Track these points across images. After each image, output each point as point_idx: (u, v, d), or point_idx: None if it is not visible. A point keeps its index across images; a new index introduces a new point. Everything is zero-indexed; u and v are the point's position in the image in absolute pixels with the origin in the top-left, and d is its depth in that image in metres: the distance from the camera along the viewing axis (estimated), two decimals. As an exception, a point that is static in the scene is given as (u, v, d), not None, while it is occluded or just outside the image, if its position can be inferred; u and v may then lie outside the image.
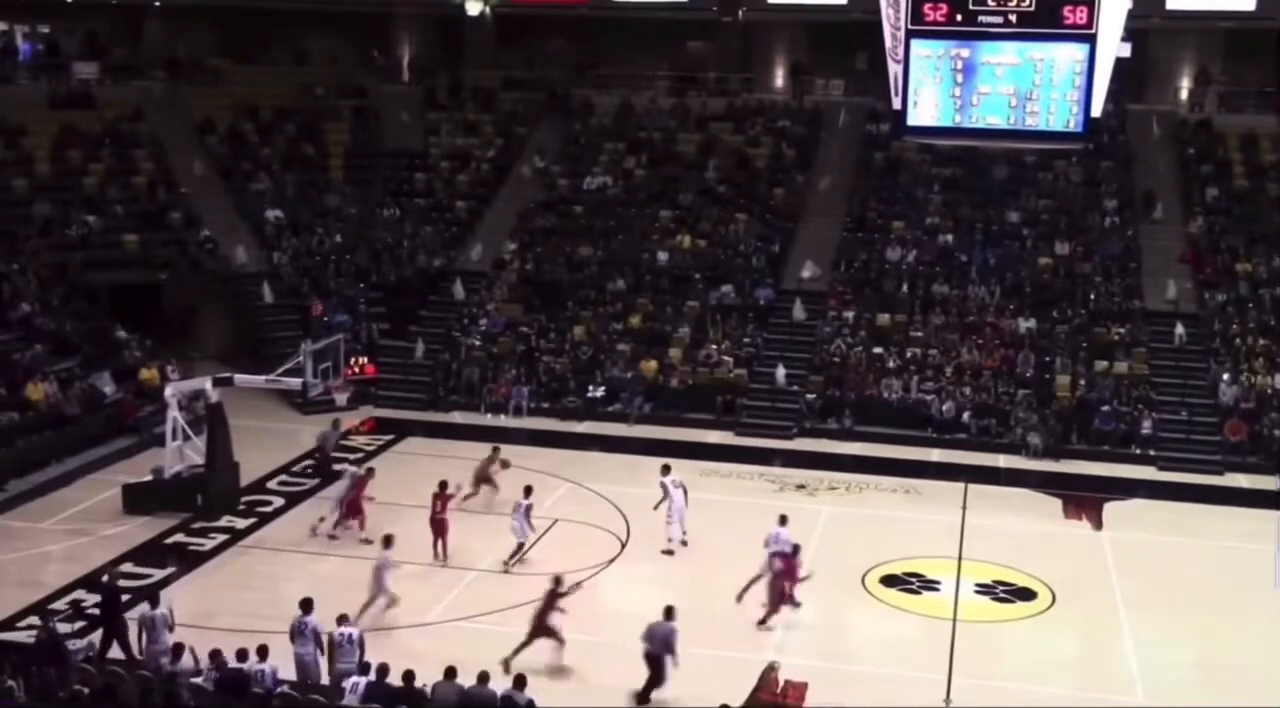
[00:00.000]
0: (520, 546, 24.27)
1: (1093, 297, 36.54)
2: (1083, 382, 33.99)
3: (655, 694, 19.10)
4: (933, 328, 35.96)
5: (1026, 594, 23.60)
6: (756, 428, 33.53)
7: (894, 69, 23.35)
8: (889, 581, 24.18)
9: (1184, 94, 44.46)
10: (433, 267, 39.61)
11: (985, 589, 23.70)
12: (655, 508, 25.57)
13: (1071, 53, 22.20)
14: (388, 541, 22.06)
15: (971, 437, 32.99)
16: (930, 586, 24.01)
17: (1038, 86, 22.01)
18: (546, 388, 35.20)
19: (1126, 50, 27.60)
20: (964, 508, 28.09)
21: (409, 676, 17.11)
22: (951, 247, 38.63)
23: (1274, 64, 43.00)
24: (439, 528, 24.57)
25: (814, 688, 19.10)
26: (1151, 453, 32.16)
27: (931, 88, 22.75)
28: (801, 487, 29.48)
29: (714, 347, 35.83)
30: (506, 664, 19.04)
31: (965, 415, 33.29)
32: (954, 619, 22.24)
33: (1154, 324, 35.54)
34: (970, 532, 26.47)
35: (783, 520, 22.89)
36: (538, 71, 46.78)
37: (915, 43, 22.63)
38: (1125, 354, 34.71)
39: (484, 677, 17.13)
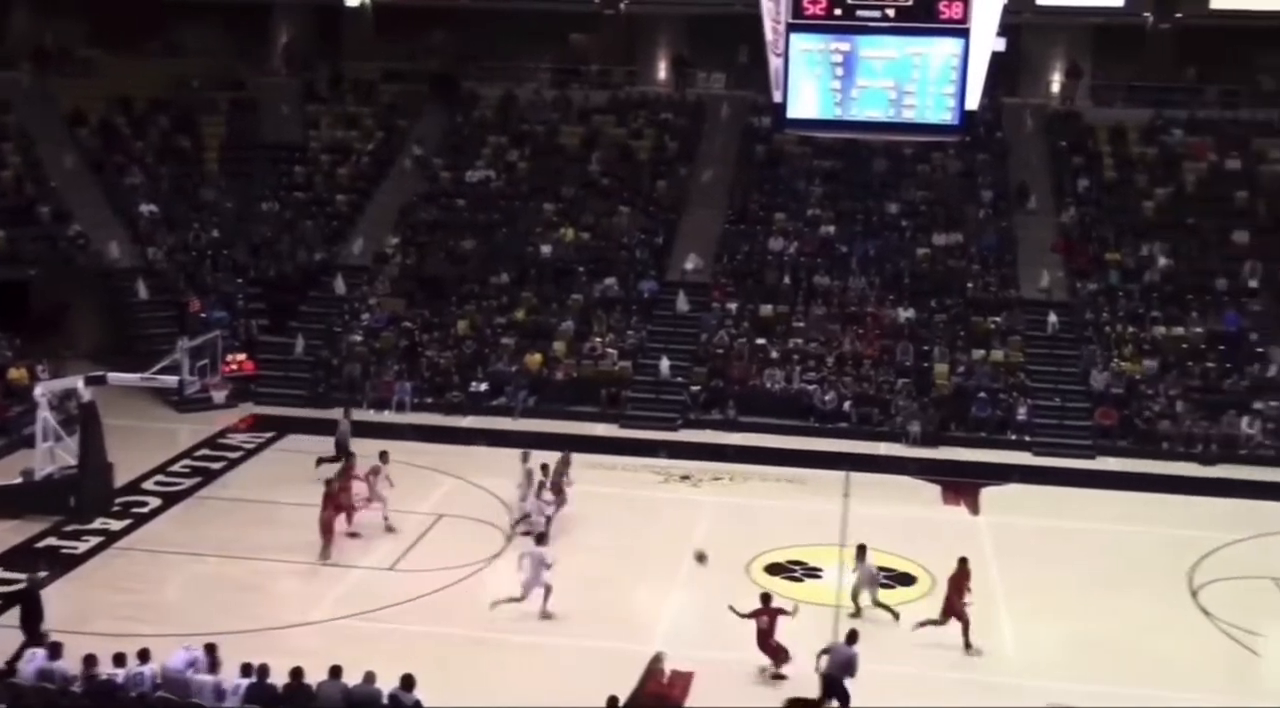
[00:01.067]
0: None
1: (970, 286, 37.24)
2: (960, 370, 34.64)
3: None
4: (814, 319, 36.38)
5: (907, 579, 23.99)
6: (641, 420, 33.64)
7: (774, 62, 23.50)
8: (773, 569, 24.42)
9: (1056, 88, 45.47)
10: (313, 262, 39.07)
11: (867, 576, 24.03)
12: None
13: (947, 47, 22.48)
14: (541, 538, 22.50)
15: (853, 425, 33.46)
16: (813, 573, 24.30)
17: (915, 80, 22.27)
18: (430, 383, 34.94)
19: (1002, 45, 28.04)
20: (846, 496, 28.49)
21: (297, 673, 16.88)
22: (832, 238, 39.10)
23: (1141, 58, 44.26)
24: (329, 527, 24.10)
25: (700, 678, 19.25)
26: (1026, 439, 32.90)
27: (812, 81, 22.92)
28: (686, 478, 29.67)
29: (598, 340, 35.87)
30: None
31: (846, 405, 33.75)
32: (836, 606, 22.51)
33: (1029, 313, 36.36)
34: (852, 519, 26.83)
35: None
36: (419, 64, 46.35)
37: (795, 36, 22.78)
38: (1001, 342, 35.46)
39: (370, 676, 16.95)
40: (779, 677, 19.75)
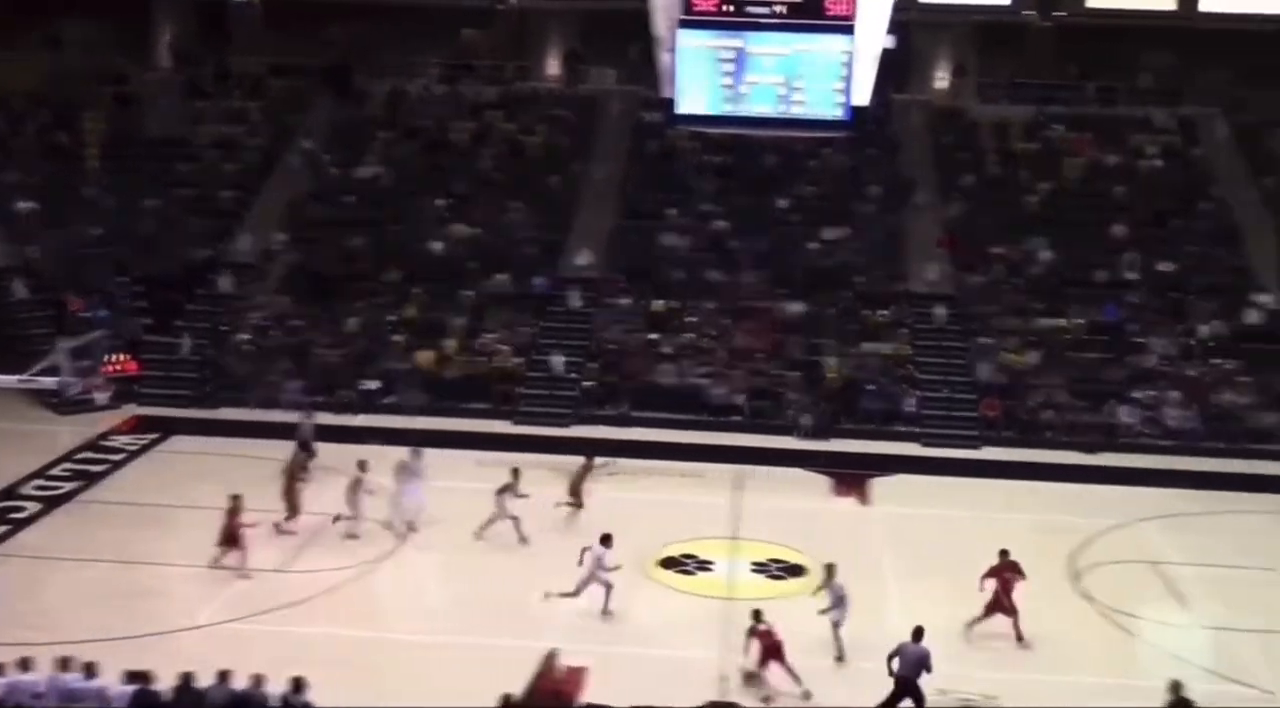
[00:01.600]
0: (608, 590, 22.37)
1: (859, 280, 37.70)
2: (850, 362, 35.05)
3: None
4: (706, 313, 36.58)
5: (799, 571, 24.25)
6: (534, 416, 33.59)
7: (665, 59, 23.62)
8: (667, 563, 24.56)
9: (942, 85, 46.19)
10: (199, 259, 38.39)
11: (760, 568, 24.26)
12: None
13: (836, 44, 22.79)
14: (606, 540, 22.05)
15: (745, 419, 33.73)
16: (705, 566, 24.48)
17: (805, 77, 22.54)
18: (320, 382, 34.52)
19: (893, 42, 28.40)
20: (739, 489, 28.69)
21: (185, 679, 16.61)
22: (724, 233, 39.34)
23: (1024, 56, 45.14)
24: (234, 540, 23.35)
25: (594, 673, 19.27)
26: (915, 430, 33.41)
27: (702, 77, 23.08)
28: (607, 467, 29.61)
29: (490, 336, 35.72)
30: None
31: (739, 399, 33.99)
32: (729, 599, 22.67)
33: (916, 306, 36.93)
34: (745, 512, 27.04)
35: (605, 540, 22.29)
36: (308, 58, 45.75)
37: (686, 33, 22.93)
38: (890, 335, 35.94)
39: (258, 679, 16.74)
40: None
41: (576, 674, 19.08)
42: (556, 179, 41.32)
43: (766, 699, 19.27)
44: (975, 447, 32.87)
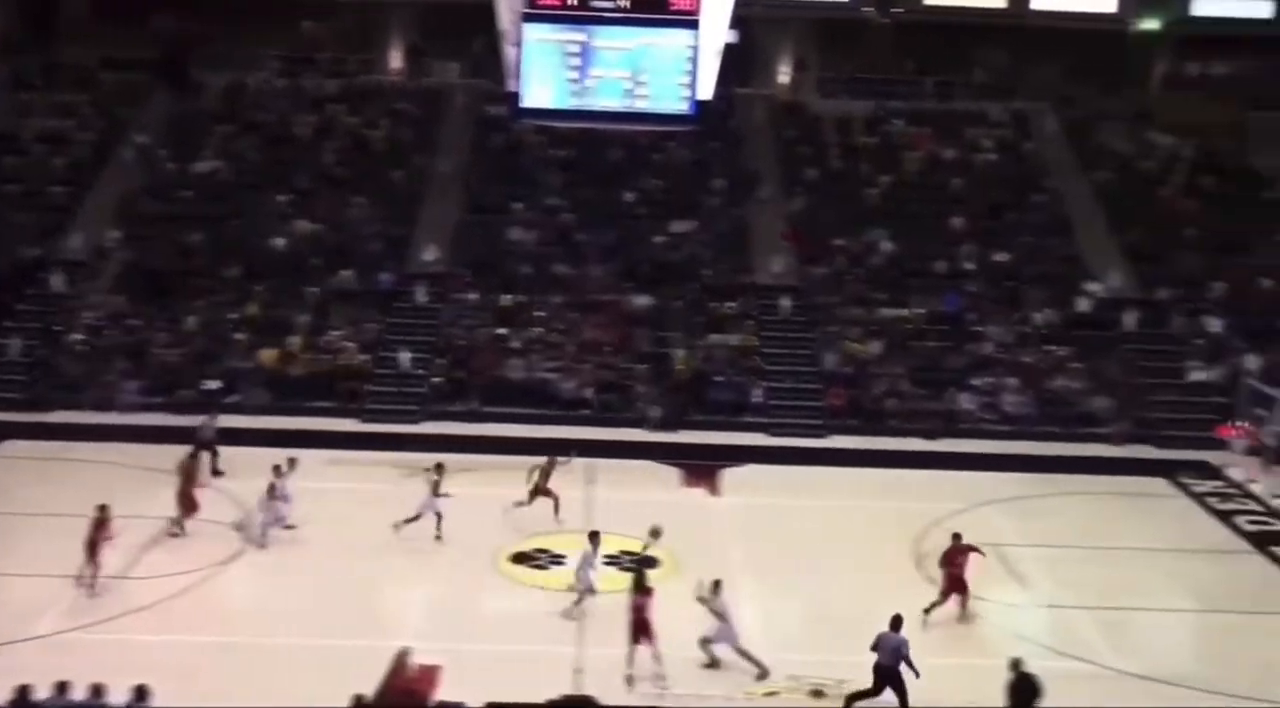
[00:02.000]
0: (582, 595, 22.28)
1: (705, 273, 38.02)
2: (698, 354, 35.34)
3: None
4: (554, 307, 36.55)
5: (650, 563, 24.32)
6: (382, 414, 33.14)
7: (510, 52, 23.52)
8: (518, 558, 24.51)
9: (784, 80, 46.83)
10: (28, 257, 37.05)
11: (612, 560, 24.27)
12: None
13: (680, 38, 22.97)
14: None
15: (595, 412, 33.76)
16: (558, 560, 24.43)
17: (649, 70, 22.66)
18: (159, 382, 33.60)
19: (734, 37, 28.73)
20: (589, 483, 28.70)
21: (22, 691, 16.03)
22: (570, 227, 39.33)
23: (863, 52, 46.02)
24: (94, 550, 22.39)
25: (447, 670, 19.12)
26: (762, 420, 33.83)
27: (547, 71, 23.06)
28: (429, 471, 29.33)
29: (336, 333, 35.17)
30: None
31: (588, 392, 34.03)
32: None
33: (762, 298, 37.36)
34: (596, 505, 27.08)
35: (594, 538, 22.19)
36: (141, 50, 44.43)
37: (531, 26, 22.89)
38: (736, 327, 36.33)
39: (98, 689, 16.24)
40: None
41: (429, 673, 18.89)
42: (401, 174, 40.86)
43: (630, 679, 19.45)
44: (821, 436, 33.40)
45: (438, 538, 25.05)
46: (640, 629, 19.68)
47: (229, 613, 21.74)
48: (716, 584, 20.58)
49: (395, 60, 46.88)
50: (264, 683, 18.80)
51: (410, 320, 36.10)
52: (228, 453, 28.93)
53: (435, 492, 25.32)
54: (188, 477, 25.41)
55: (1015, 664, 18.09)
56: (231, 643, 20.31)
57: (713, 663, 20.06)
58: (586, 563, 22.10)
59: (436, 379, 34.33)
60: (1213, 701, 18.94)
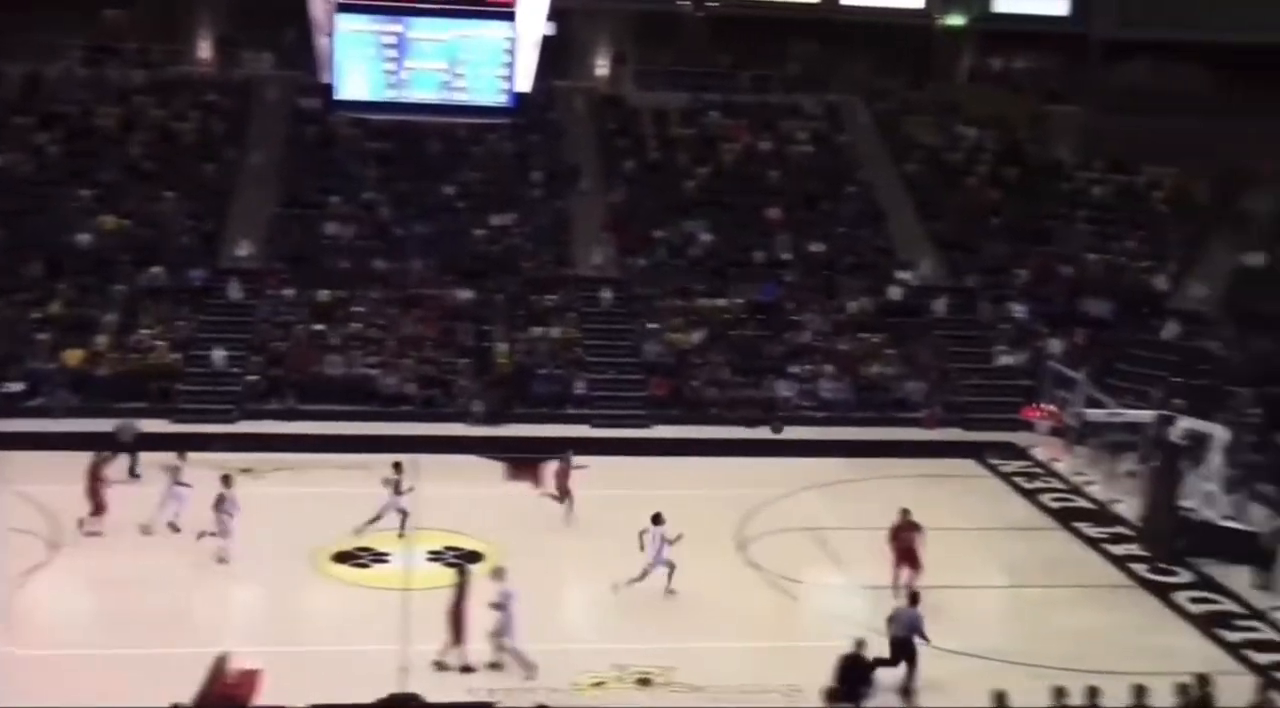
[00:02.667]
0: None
1: (526, 266, 37.95)
2: (520, 348, 35.26)
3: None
4: (373, 302, 36.08)
5: (476, 557, 24.24)
6: (196, 413, 32.28)
7: (323, 43, 23.13)
8: (341, 557, 24.15)
9: (603, 72, 46.99)
10: None
11: (436, 556, 24.12)
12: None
13: (497, 30, 22.86)
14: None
15: (417, 408, 33.44)
16: (381, 558, 24.18)
17: (467, 63, 22.51)
18: (-43, 384, 32.20)
19: (551, 29, 28.72)
20: (412, 479, 28.39)
21: None
22: (388, 221, 38.87)
23: (680, 45, 46.47)
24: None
25: (269, 674, 18.74)
26: (586, 412, 33.91)
27: (362, 63, 22.75)
28: (247, 471, 28.63)
29: (145, 332, 34.14)
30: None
31: (410, 387, 33.69)
32: (404, 589, 22.43)
33: (583, 290, 37.47)
34: (419, 502, 26.79)
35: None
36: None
37: (344, 17, 22.54)
38: (558, 319, 36.36)
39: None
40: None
41: (249, 678, 18.50)
42: (212, 167, 39.83)
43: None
44: (645, 426, 33.64)
45: (401, 536, 24.79)
46: (456, 624, 19.58)
47: (38, 624, 20.91)
48: (498, 571, 20.69)
49: (204, 51, 45.67)
50: (77, 696, 18.12)
51: (223, 317, 35.23)
52: (32, 458, 27.88)
53: (397, 491, 25.00)
54: (95, 477, 24.97)
55: (858, 645, 18.44)
56: (42, 655, 19.52)
57: (497, 664, 19.77)
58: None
59: (252, 377, 33.58)
60: (1029, 673, 19.63)
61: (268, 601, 22.36)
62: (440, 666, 19.47)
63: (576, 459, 27.26)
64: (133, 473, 28.15)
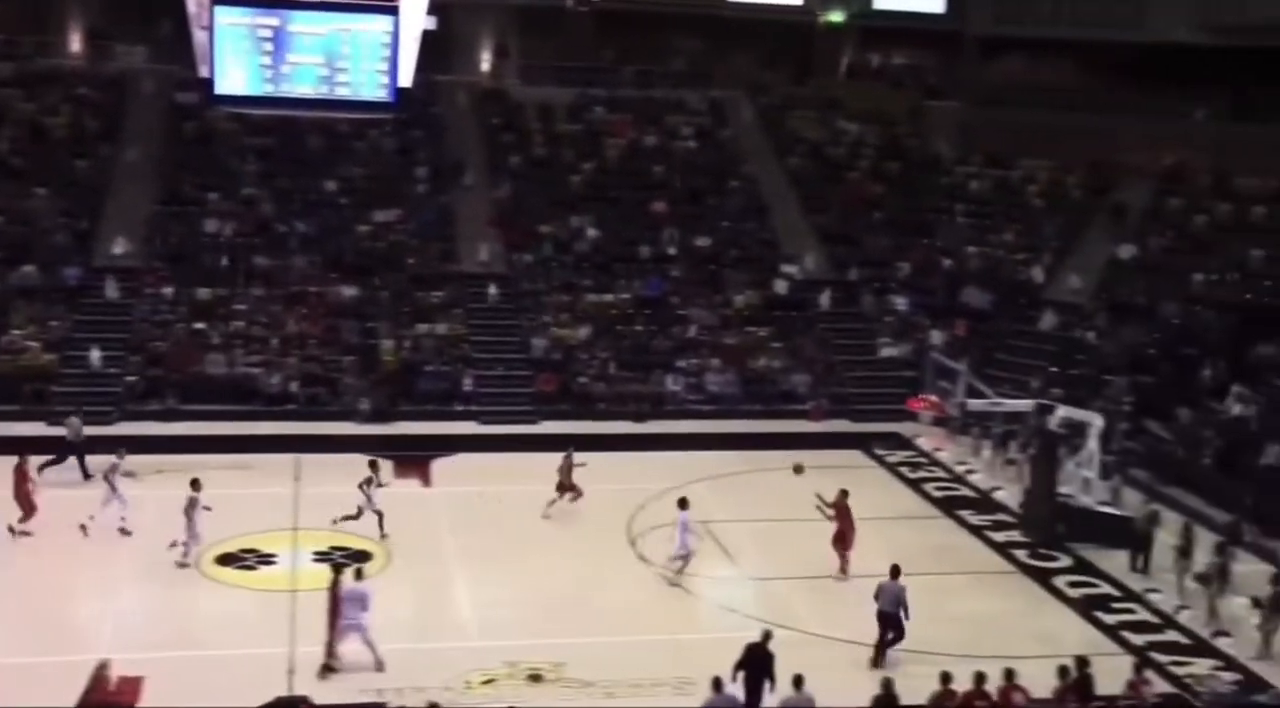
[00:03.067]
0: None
1: (411, 262, 37.64)
2: (406, 345, 34.97)
3: None
4: (255, 300, 35.53)
5: (364, 557, 24.01)
6: (72, 416, 31.44)
7: (200, 37, 22.68)
8: (225, 560, 23.75)
9: (486, 67, 46.75)
10: None
11: (323, 556, 23.83)
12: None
13: (378, 24, 22.61)
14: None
15: (301, 407, 33.00)
16: (267, 560, 23.85)
17: (347, 57, 22.25)
18: None
19: (433, 24, 28.46)
20: (297, 479, 28.00)
21: None
22: (270, 217, 38.29)
23: (563, 40, 46.37)
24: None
25: (152, 681, 18.39)
26: (473, 409, 33.75)
27: (240, 56, 22.33)
28: (128, 473, 28.07)
29: (17, 332, 33.23)
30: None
31: (294, 386, 33.23)
32: (291, 590, 22.15)
33: (469, 286, 37.28)
34: (305, 502, 26.35)
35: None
36: None
37: (221, 10, 22.10)
38: (444, 316, 36.11)
39: None
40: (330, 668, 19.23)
41: (131, 685, 18.13)
42: (85, 163, 38.89)
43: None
44: (533, 422, 33.57)
45: (384, 536, 24.82)
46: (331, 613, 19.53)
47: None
48: (358, 573, 20.64)
49: (75, 43, 44.50)
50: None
51: (100, 317, 34.44)
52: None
53: (366, 487, 25.07)
54: (22, 477, 24.73)
55: (766, 635, 18.67)
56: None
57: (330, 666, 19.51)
58: (685, 529, 23.07)
59: (131, 378, 32.86)
60: (917, 659, 19.96)
61: (150, 605, 21.88)
62: (329, 668, 19.26)
63: (577, 456, 27.22)
64: (85, 474, 27.91)
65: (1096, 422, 27.50)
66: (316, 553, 24.01)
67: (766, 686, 18.17)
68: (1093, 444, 27.23)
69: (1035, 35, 45.27)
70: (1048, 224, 41.54)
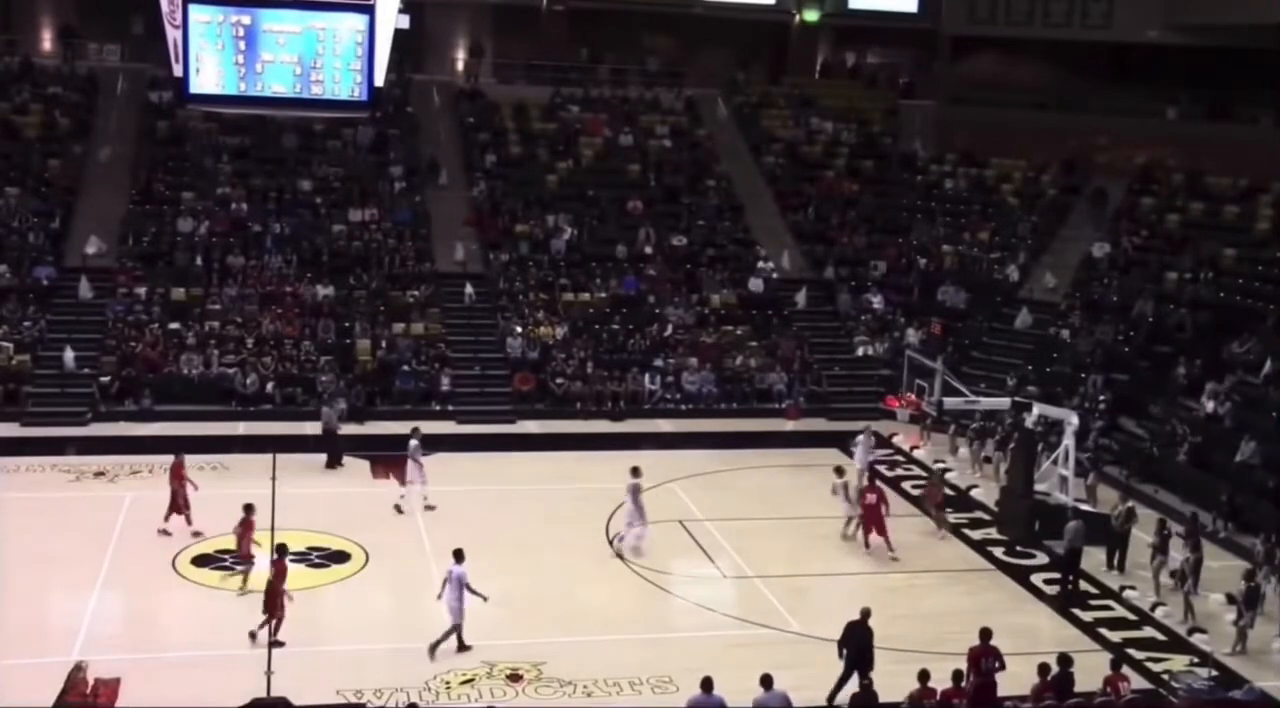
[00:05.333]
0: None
1: (387, 261, 37.52)
2: (383, 344, 34.86)
3: None
4: (230, 300, 35.36)
5: (341, 557, 23.95)
6: (45, 417, 31.36)
7: (172, 34, 22.52)
8: (201, 560, 23.61)
9: (460, 66, 46.66)
10: None
11: (300, 557, 23.70)
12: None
13: (352, 23, 22.49)
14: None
15: (277, 407, 32.86)
16: (242, 560, 23.65)
17: (321, 55, 22.12)
18: None
19: (405, 22, 28.43)
20: (274, 479, 27.85)
21: None
22: (244, 216, 38.13)
23: (538, 38, 46.32)
24: None
25: (128, 682, 18.28)
26: (450, 408, 33.67)
27: (213, 55, 22.17)
28: (101, 474, 28.04)
29: (-10, 333, 33.06)
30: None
31: (269, 386, 33.09)
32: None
33: (446, 285, 37.18)
34: (282, 502, 26.14)
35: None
36: None
37: (193, 7, 21.93)
38: (421, 315, 36.01)
39: None
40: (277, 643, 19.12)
41: (108, 687, 18.00)
42: (57, 163, 38.63)
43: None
44: (510, 421, 33.52)
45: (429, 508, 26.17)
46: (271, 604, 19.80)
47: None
48: (458, 554, 20.76)
49: (47, 42, 44.20)
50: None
51: (73, 317, 34.23)
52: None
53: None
54: (179, 475, 24.81)
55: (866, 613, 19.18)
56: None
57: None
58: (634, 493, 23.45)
59: (104, 378, 32.64)
60: (895, 657, 19.95)
61: (126, 606, 21.77)
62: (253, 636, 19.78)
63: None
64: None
65: (1072, 419, 27.61)
66: (293, 554, 23.83)
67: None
68: (1068, 442, 27.34)
69: (1009, 35, 45.44)
70: (1022, 223, 41.68)
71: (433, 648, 20.04)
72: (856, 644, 18.84)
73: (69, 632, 20.41)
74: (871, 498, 25.36)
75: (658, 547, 25.06)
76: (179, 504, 24.70)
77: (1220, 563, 24.68)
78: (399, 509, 26.35)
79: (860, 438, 29.55)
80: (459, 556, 20.62)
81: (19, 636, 20.12)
